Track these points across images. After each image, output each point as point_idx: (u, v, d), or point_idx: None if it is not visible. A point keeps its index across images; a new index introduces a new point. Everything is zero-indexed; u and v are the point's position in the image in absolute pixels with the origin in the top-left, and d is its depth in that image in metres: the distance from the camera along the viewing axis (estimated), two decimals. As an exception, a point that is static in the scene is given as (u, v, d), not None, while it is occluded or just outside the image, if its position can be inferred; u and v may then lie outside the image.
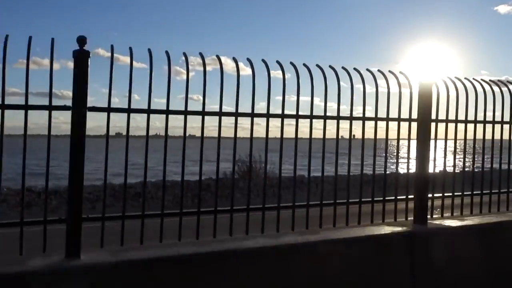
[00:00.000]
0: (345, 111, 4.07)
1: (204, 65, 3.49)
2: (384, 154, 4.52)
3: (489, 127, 4.96)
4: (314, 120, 3.92)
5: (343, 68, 4.03)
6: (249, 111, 3.68)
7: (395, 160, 4.49)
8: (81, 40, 3.04)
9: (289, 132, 3.87)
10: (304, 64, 3.86)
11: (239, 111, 3.63)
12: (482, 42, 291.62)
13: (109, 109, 3.24)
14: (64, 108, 3.10)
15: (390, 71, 4.31)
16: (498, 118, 4.99)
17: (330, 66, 3.96)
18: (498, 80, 5.05)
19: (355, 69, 4.11)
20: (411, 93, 4.33)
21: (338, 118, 4.04)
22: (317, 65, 3.91)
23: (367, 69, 4.23)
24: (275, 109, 3.85)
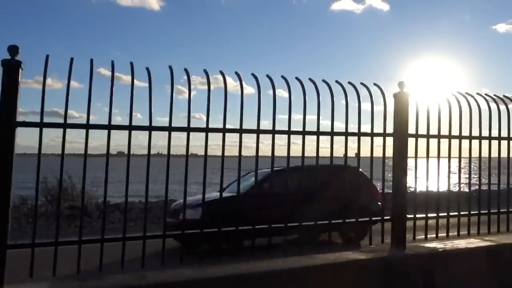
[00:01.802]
0: (350, 128, 3.98)
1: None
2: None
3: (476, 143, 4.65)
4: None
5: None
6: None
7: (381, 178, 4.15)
8: (13, 50, 2.85)
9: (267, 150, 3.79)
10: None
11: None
12: (483, 60, 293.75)
13: (41, 124, 2.98)
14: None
15: (362, 83, 4.06)
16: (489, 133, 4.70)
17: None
18: (486, 94, 4.78)
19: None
20: (385, 105, 4.10)
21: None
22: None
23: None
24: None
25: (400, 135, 4.09)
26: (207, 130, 3.42)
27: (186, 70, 3.39)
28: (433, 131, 4.30)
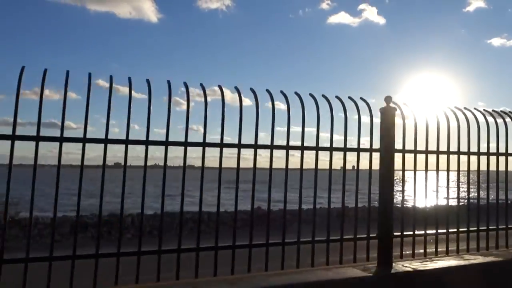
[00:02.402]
0: (351, 141, 3.98)
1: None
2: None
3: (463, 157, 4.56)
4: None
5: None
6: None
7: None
8: None
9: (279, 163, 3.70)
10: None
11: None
12: (478, 74, 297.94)
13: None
14: None
15: (323, 95, 3.93)
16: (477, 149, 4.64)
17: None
18: (484, 109, 4.76)
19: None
20: (371, 120, 4.09)
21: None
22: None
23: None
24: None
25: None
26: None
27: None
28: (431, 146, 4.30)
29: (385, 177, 3.95)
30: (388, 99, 4.01)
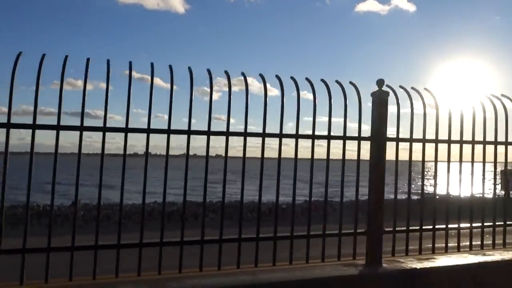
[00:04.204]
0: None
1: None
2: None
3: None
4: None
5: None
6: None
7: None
8: None
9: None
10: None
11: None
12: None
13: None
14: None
15: (351, 82, 3.78)
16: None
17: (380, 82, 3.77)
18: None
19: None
20: (359, 107, 3.80)
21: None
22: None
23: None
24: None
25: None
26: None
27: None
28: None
29: (376, 167, 3.69)
30: (380, 82, 3.76)
